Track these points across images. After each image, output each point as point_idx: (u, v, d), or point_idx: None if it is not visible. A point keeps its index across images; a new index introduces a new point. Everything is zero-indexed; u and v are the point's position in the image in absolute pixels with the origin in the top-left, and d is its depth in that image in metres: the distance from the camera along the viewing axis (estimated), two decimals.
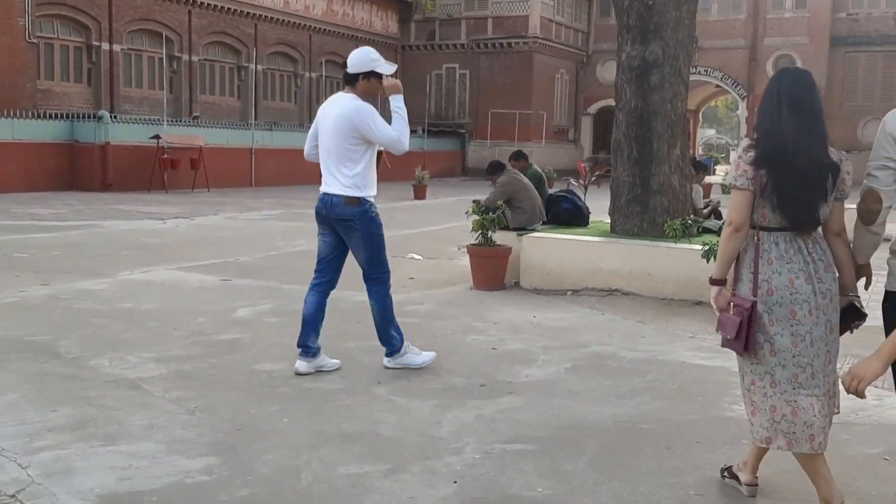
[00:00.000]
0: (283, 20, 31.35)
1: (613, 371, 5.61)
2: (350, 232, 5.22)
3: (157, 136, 22.07)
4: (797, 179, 3.09)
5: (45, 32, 23.76)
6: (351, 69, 5.11)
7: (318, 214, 5.33)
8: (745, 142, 3.26)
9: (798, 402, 3.17)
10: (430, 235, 14.04)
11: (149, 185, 22.09)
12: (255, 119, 28.15)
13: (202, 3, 28.06)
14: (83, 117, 21.81)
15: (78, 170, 21.47)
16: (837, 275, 3.22)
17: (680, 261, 7.98)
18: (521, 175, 9.78)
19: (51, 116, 21.50)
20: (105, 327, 6.54)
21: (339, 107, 5.06)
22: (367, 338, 6.33)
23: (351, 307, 7.52)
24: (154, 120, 23.80)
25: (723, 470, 3.72)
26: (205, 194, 22.34)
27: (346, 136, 5.04)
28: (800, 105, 3.12)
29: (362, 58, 5.13)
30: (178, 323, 6.75)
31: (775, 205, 3.12)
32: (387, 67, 5.21)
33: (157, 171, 22.23)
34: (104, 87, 25.17)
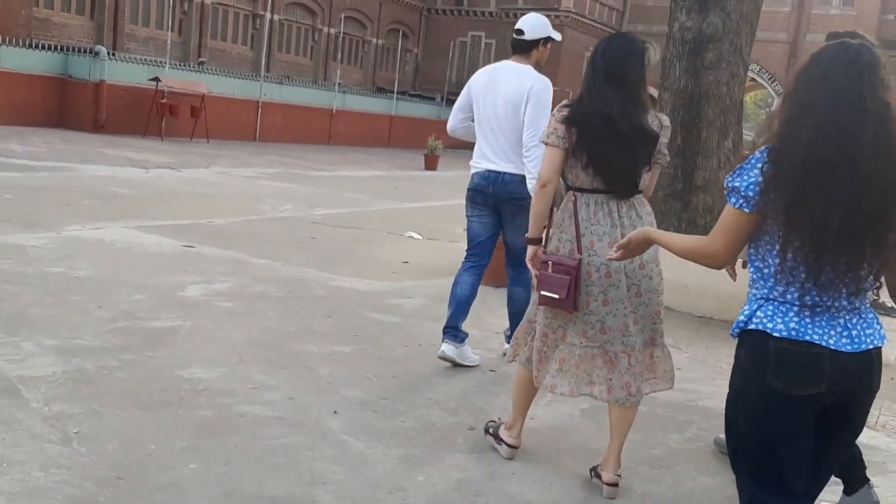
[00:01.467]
0: None
1: (643, 420, 4.29)
2: (519, 212, 4.58)
3: (156, 79, 20.71)
4: (614, 143, 3.12)
5: None
6: (529, 34, 4.61)
7: (478, 193, 4.74)
8: (563, 102, 3.26)
9: (581, 353, 3.29)
10: (436, 212, 12.71)
11: (143, 131, 20.76)
12: (268, 71, 26.74)
13: None
14: (79, 51, 20.43)
15: (69, 107, 20.14)
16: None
17: (723, 272, 6.62)
18: None
19: (44, 48, 20.13)
20: (13, 297, 5.26)
21: (519, 79, 4.54)
22: (335, 339, 5.05)
23: (325, 294, 6.23)
24: (156, 62, 22.42)
25: (488, 429, 3.73)
26: (202, 145, 21.01)
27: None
28: (616, 75, 3.14)
29: (541, 21, 4.69)
30: (106, 298, 5.47)
31: (585, 164, 3.18)
32: (557, 34, 4.81)
33: (154, 117, 20.90)
34: (107, 21, 23.75)
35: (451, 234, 10.39)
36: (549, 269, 3.24)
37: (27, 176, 11.33)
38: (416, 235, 9.85)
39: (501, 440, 3.62)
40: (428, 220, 11.50)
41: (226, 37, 28.08)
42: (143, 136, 20.62)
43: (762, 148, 2.07)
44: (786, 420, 2.06)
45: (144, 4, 25.16)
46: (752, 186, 2.04)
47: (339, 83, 28.64)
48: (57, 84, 20.00)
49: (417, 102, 32.44)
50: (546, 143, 3.25)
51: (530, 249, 3.41)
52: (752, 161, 2.07)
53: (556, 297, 3.22)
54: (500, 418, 3.80)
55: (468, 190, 4.78)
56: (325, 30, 31.43)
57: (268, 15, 28.66)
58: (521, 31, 4.64)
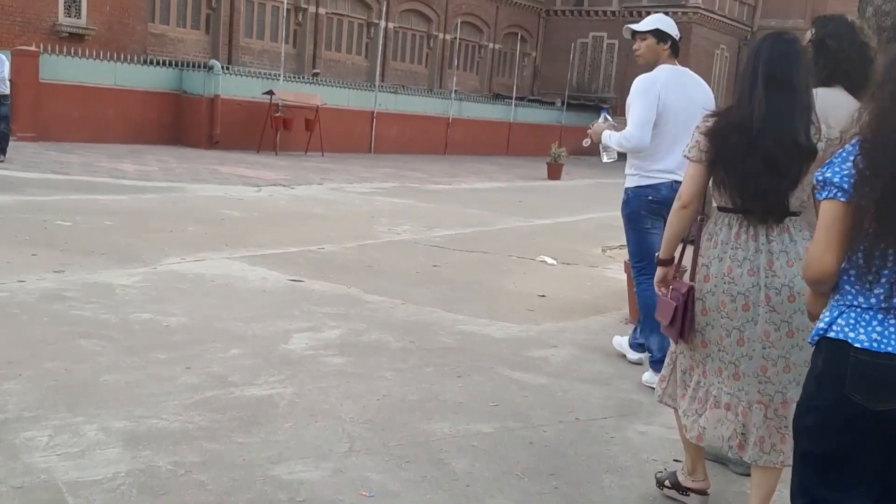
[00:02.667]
0: None
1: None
2: None
3: (270, 92, 20.24)
4: (754, 160, 2.75)
5: None
6: (675, 34, 4.60)
7: (666, 206, 3.95)
8: (710, 111, 2.99)
9: (719, 397, 2.91)
10: (567, 230, 11.54)
11: (258, 145, 20.32)
12: (382, 80, 26.10)
13: None
14: (193, 66, 20.15)
15: (184, 123, 19.87)
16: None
17: None
18: None
19: (159, 63, 19.93)
20: (86, 358, 4.41)
21: (698, 86, 4.60)
22: (470, 413, 3.97)
23: (452, 343, 5.16)
24: (271, 74, 22.02)
25: (662, 482, 3.31)
26: (317, 159, 20.43)
27: None
28: (779, 80, 2.74)
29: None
30: (197, 356, 4.57)
31: (719, 182, 2.86)
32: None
33: (268, 131, 20.44)
34: (222, 35, 23.54)
35: (588, 257, 9.21)
36: (668, 293, 3.02)
37: (134, 199, 10.75)
38: (549, 260, 8.72)
39: (686, 489, 3.21)
40: (559, 239, 10.35)
41: (340, 47, 27.62)
42: (257, 152, 20.18)
43: (853, 140, 1.97)
44: (861, 434, 1.94)
45: (259, 17, 24.89)
46: (845, 178, 1.94)
47: (454, 90, 27.77)
48: (172, 100, 19.77)
49: (537, 108, 31.26)
50: (687, 158, 2.92)
51: (660, 271, 3.14)
52: (844, 154, 1.97)
53: (664, 322, 2.98)
54: (665, 468, 3.43)
55: (651, 203, 4.54)
56: (441, 36, 30.64)
57: (382, 23, 28.05)
58: (663, 35, 4.54)
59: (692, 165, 2.91)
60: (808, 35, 3.37)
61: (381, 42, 28.01)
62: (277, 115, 20.42)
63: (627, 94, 4.65)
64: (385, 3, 28.00)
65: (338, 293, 6.39)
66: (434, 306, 6.22)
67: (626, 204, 4.69)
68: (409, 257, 8.28)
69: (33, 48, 17.24)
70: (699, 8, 32.41)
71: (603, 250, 9.99)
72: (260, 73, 22.07)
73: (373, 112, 24.12)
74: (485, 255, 8.80)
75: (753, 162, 2.75)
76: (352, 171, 17.96)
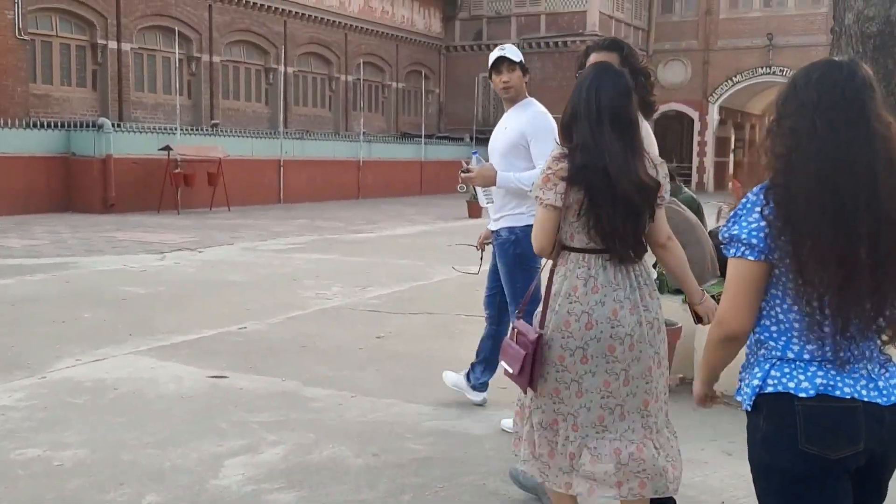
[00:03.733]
0: (315, 17, 28.15)
1: None
2: None
3: (167, 148, 18.92)
4: (621, 207, 2.70)
5: (42, 29, 20.68)
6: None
7: None
8: (557, 149, 2.83)
9: (599, 448, 2.78)
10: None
11: (158, 205, 18.94)
12: (286, 127, 24.98)
13: None
14: (81, 126, 18.69)
15: (75, 188, 18.36)
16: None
17: None
18: (679, 204, 6.32)
19: (44, 126, 18.41)
20: None
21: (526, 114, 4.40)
22: None
23: (425, 451, 4.12)
24: (166, 129, 20.67)
25: None
26: (223, 215, 19.15)
27: None
28: (622, 121, 2.71)
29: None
30: None
31: (590, 227, 2.74)
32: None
33: (168, 189, 19.08)
34: (111, 91, 22.07)
35: None
36: (514, 338, 2.91)
37: (19, 282, 9.40)
38: None
39: None
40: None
41: (238, 95, 26.39)
42: (157, 212, 18.80)
43: (755, 188, 1.85)
44: (826, 488, 1.83)
45: (150, 69, 23.50)
46: (754, 234, 1.82)
47: (363, 132, 26.83)
48: (60, 164, 18.26)
49: (446, 145, 30.56)
50: (541, 201, 2.80)
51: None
52: (748, 204, 1.85)
53: (512, 371, 2.86)
54: None
55: None
56: (343, 78, 29.72)
57: (281, 68, 26.97)
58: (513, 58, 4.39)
59: (548, 210, 2.77)
60: (616, 60, 3.25)
61: (281, 87, 26.90)
62: (177, 171, 19.10)
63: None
64: (283, 47, 26.94)
65: (272, 390, 5.30)
66: (391, 396, 5.20)
67: (516, 244, 4.31)
68: (346, 328, 7.24)
69: None
70: (596, 35, 32.36)
71: None
72: (154, 128, 20.70)
73: (279, 160, 22.97)
74: (430, 316, 7.82)
75: (616, 203, 2.70)
76: (263, 225, 16.77)
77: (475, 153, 4.49)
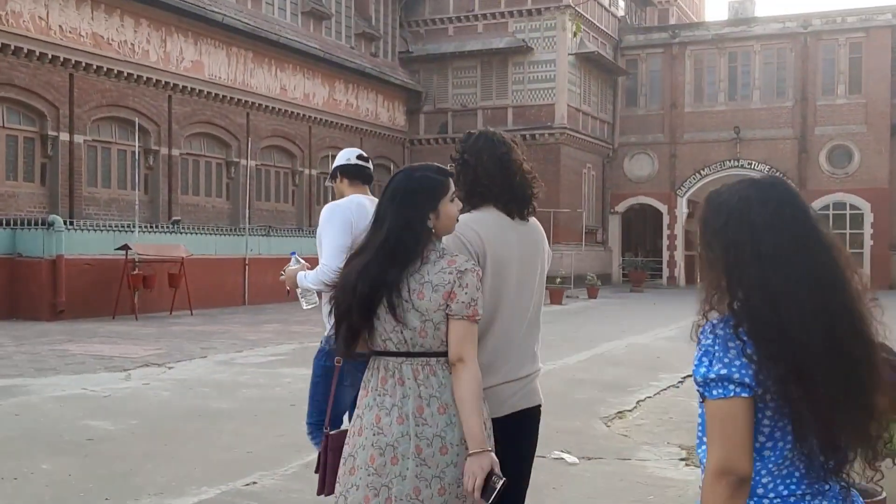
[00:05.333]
0: (278, 109, 26.97)
1: None
2: None
3: (125, 247, 17.28)
4: (358, 303, 2.58)
5: None
6: (346, 161, 4.50)
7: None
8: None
9: None
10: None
11: (113, 311, 17.16)
12: (249, 222, 23.52)
13: (185, 87, 23.63)
14: (29, 224, 16.98)
15: (21, 292, 16.53)
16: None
17: None
18: None
19: None
20: None
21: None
22: None
23: None
24: (123, 226, 19.05)
25: None
26: (186, 320, 17.44)
27: None
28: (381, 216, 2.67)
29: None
30: None
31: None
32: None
33: (125, 292, 17.36)
34: (61, 186, 20.41)
35: (599, 438, 6.87)
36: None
37: None
38: (568, 458, 6.34)
39: None
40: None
41: (198, 189, 24.86)
42: (112, 318, 17.01)
43: (714, 320, 1.79)
44: None
45: (104, 163, 21.92)
46: (743, 369, 1.73)
47: None
48: (5, 266, 16.47)
49: None
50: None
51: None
52: (717, 341, 1.76)
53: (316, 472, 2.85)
54: None
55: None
56: (307, 171, 28.46)
57: (243, 161, 25.62)
58: (367, 159, 4.50)
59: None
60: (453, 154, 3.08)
61: (242, 181, 25.52)
62: (135, 272, 17.41)
63: None
64: (245, 140, 25.65)
65: None
66: None
67: (329, 355, 4.04)
68: None
69: None
70: (566, 128, 31.81)
71: (607, 424, 7.75)
72: (111, 225, 19.05)
73: (245, 259, 21.42)
74: None
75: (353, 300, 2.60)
76: (233, 332, 15.14)
77: (293, 253, 4.52)
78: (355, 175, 4.39)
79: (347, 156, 4.48)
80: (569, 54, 31.79)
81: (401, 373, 2.55)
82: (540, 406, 3.00)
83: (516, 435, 2.83)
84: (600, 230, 35.62)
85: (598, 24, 34.25)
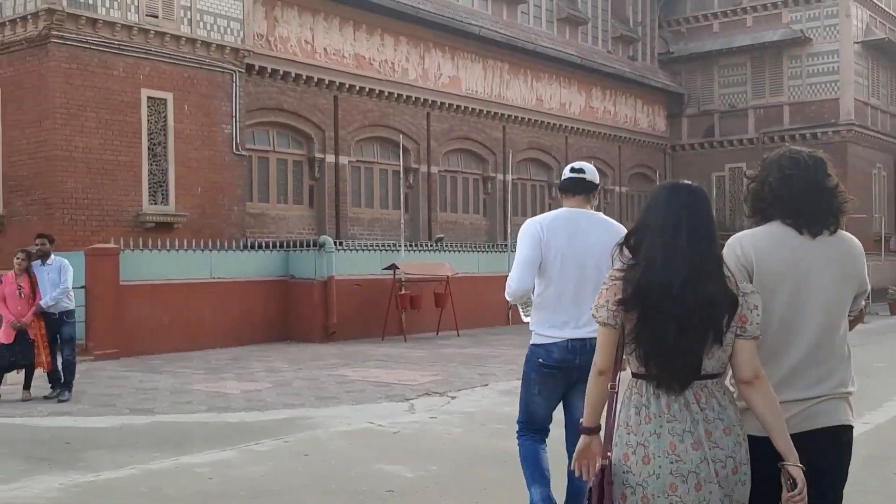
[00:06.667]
0: (534, 120, 26.04)
1: None
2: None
3: (392, 266, 16.82)
4: (674, 323, 2.57)
5: (259, 144, 19.42)
6: (590, 176, 4.45)
7: (559, 369, 4.31)
8: (618, 263, 2.76)
9: None
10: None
11: (382, 332, 16.72)
12: (504, 238, 22.64)
13: (442, 103, 23.21)
14: (301, 246, 16.92)
15: (294, 314, 16.45)
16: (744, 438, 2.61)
17: None
18: None
19: (260, 247, 16.78)
20: None
21: (595, 230, 4.31)
22: None
23: None
24: (388, 246, 18.70)
25: None
26: (454, 341, 16.69)
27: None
28: (700, 234, 2.64)
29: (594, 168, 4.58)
30: None
31: (634, 347, 2.64)
32: None
33: (393, 312, 16.90)
34: (328, 208, 20.49)
35: None
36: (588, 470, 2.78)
37: (244, 456, 6.99)
38: None
39: None
40: None
41: (456, 207, 24.40)
42: (381, 340, 16.57)
43: None
44: None
45: (367, 183, 21.90)
46: None
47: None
48: (278, 288, 16.45)
49: None
50: (595, 319, 2.72)
51: (582, 440, 2.79)
52: None
53: None
54: None
55: (542, 366, 4.31)
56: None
57: (499, 176, 24.88)
58: (581, 171, 4.42)
59: (602, 329, 2.71)
60: (749, 172, 3.15)
61: (499, 196, 24.77)
62: (402, 292, 16.90)
63: None
64: (501, 153, 24.89)
65: None
66: None
67: (525, 361, 4.45)
68: None
69: (112, 245, 14.20)
70: (853, 125, 28.51)
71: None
72: (377, 245, 18.76)
73: (506, 276, 20.47)
74: None
75: (670, 320, 2.57)
76: (506, 355, 14.09)
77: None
78: (567, 188, 4.41)
79: (565, 170, 4.55)
80: (854, 43, 28.57)
81: (684, 397, 2.57)
82: (839, 427, 2.83)
83: (812, 456, 2.67)
84: (894, 237, 31.67)
85: (886, 9, 30.59)
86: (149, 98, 16.10)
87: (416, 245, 19.83)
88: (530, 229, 4.33)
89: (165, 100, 16.35)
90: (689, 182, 2.82)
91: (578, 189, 4.38)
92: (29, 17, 15.07)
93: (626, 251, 2.74)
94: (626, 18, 30.12)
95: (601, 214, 4.45)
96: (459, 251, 20.13)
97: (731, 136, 30.48)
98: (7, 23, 15.49)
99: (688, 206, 2.65)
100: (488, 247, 21.77)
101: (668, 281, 2.56)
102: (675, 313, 2.55)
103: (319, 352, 14.66)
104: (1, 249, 14.47)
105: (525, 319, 4.56)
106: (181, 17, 16.53)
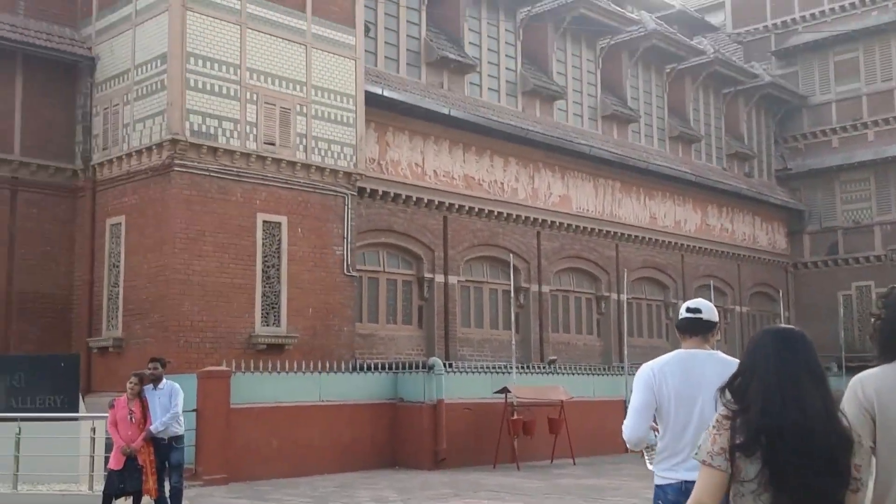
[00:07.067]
0: (648, 238, 25.53)
1: None
2: None
3: (503, 390, 16.27)
4: (811, 465, 2.50)
5: (370, 265, 19.49)
6: (707, 315, 4.32)
7: None
8: (722, 409, 2.68)
9: None
10: None
11: (494, 459, 16.06)
12: (620, 361, 21.83)
13: (553, 222, 23.01)
14: (410, 367, 16.61)
15: (402, 439, 16.02)
16: None
17: None
18: None
19: (369, 368, 16.55)
20: None
21: (710, 368, 4.12)
22: None
23: None
24: (499, 368, 18.20)
25: None
26: (570, 470, 15.88)
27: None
28: (818, 374, 2.62)
29: (712, 306, 4.45)
30: None
31: (776, 497, 2.51)
32: None
33: (504, 438, 16.26)
34: (437, 328, 20.25)
35: None
36: None
37: None
38: None
39: None
40: None
41: (568, 327, 23.82)
42: (493, 468, 15.89)
43: None
44: None
45: (476, 302, 21.65)
46: None
47: None
48: (387, 412, 16.10)
49: None
50: (703, 463, 2.66)
51: None
52: None
53: None
54: None
55: None
56: (680, 304, 26.39)
57: (613, 295, 24.26)
58: (698, 310, 4.31)
59: (713, 473, 2.61)
60: (875, 311, 3.06)
61: (613, 316, 24.09)
62: (514, 417, 16.29)
63: None
64: (615, 272, 24.34)
65: None
66: None
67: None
68: None
69: (224, 368, 14.21)
70: None
71: None
72: (487, 367, 18.31)
73: (624, 401, 19.60)
74: None
75: (809, 462, 2.49)
76: (628, 487, 13.25)
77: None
78: (683, 328, 4.34)
79: (681, 308, 4.48)
80: None
81: None
82: None
83: None
84: None
85: None
86: (264, 222, 16.42)
87: (527, 367, 19.28)
88: (643, 375, 4.31)
89: (280, 223, 16.64)
90: (785, 326, 2.83)
91: (696, 329, 4.28)
92: (154, 147, 15.71)
93: (727, 394, 2.69)
94: (740, 135, 29.62)
95: (720, 354, 4.30)
96: (573, 374, 19.45)
97: (857, 253, 29.11)
98: (133, 153, 16.17)
99: (799, 348, 2.63)
100: (604, 369, 21.01)
101: (800, 423, 2.51)
102: (818, 455, 2.48)
103: (429, 480, 14.10)
104: (118, 371, 14.67)
105: (649, 467, 4.42)
106: (297, 144, 16.96)
